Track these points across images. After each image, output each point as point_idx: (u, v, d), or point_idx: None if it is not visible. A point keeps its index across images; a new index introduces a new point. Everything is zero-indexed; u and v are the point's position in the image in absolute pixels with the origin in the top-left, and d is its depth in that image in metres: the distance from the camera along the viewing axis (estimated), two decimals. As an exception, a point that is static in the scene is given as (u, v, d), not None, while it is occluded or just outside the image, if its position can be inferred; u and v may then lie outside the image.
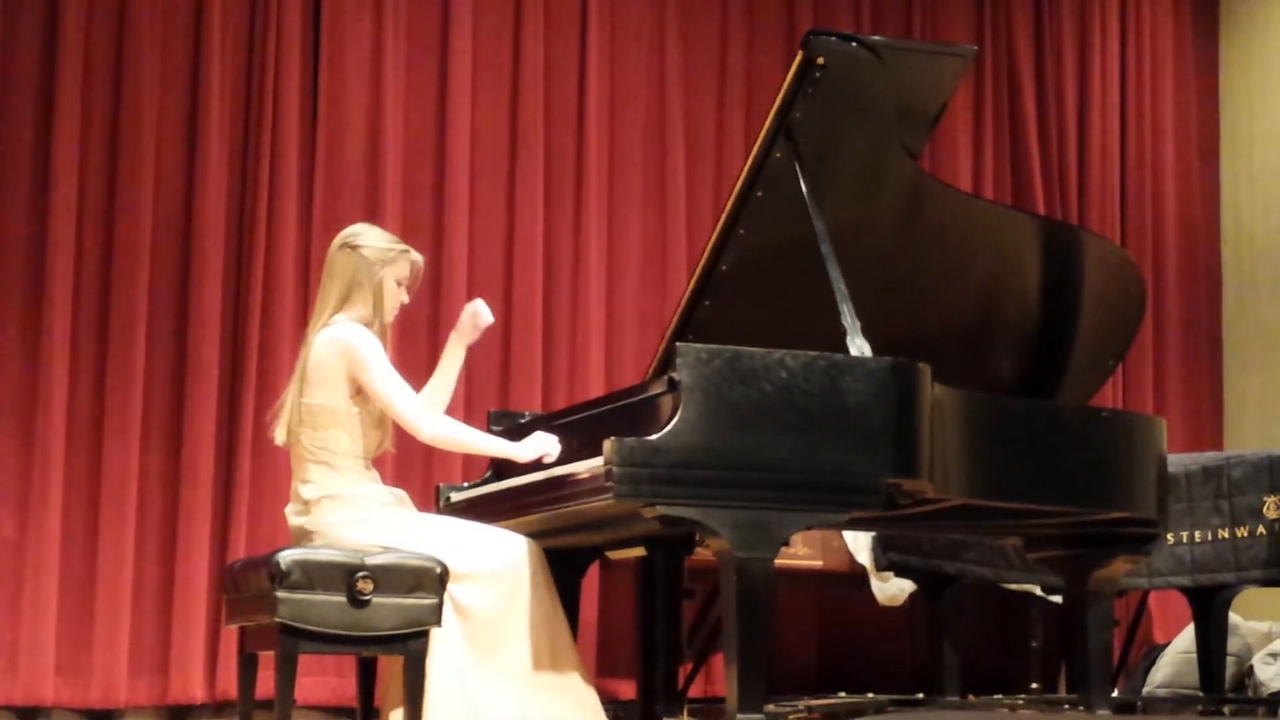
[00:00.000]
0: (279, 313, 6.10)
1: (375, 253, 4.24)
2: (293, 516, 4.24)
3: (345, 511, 4.14)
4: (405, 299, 4.34)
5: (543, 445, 4.25)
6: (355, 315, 4.22)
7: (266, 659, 4.17)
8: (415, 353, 6.02)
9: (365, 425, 4.17)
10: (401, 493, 4.29)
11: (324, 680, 5.97)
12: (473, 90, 6.52)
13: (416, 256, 4.34)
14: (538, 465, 4.27)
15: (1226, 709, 5.79)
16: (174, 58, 6.10)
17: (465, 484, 4.76)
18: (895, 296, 4.53)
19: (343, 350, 4.14)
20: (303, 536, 4.19)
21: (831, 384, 3.90)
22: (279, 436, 4.27)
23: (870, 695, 5.86)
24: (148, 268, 5.97)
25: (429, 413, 4.23)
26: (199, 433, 5.94)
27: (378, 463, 4.33)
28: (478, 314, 4.44)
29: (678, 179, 6.81)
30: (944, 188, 4.75)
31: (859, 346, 4.02)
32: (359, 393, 4.16)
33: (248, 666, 4.24)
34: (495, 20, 6.60)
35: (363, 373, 4.14)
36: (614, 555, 4.71)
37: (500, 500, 4.40)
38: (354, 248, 4.25)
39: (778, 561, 3.89)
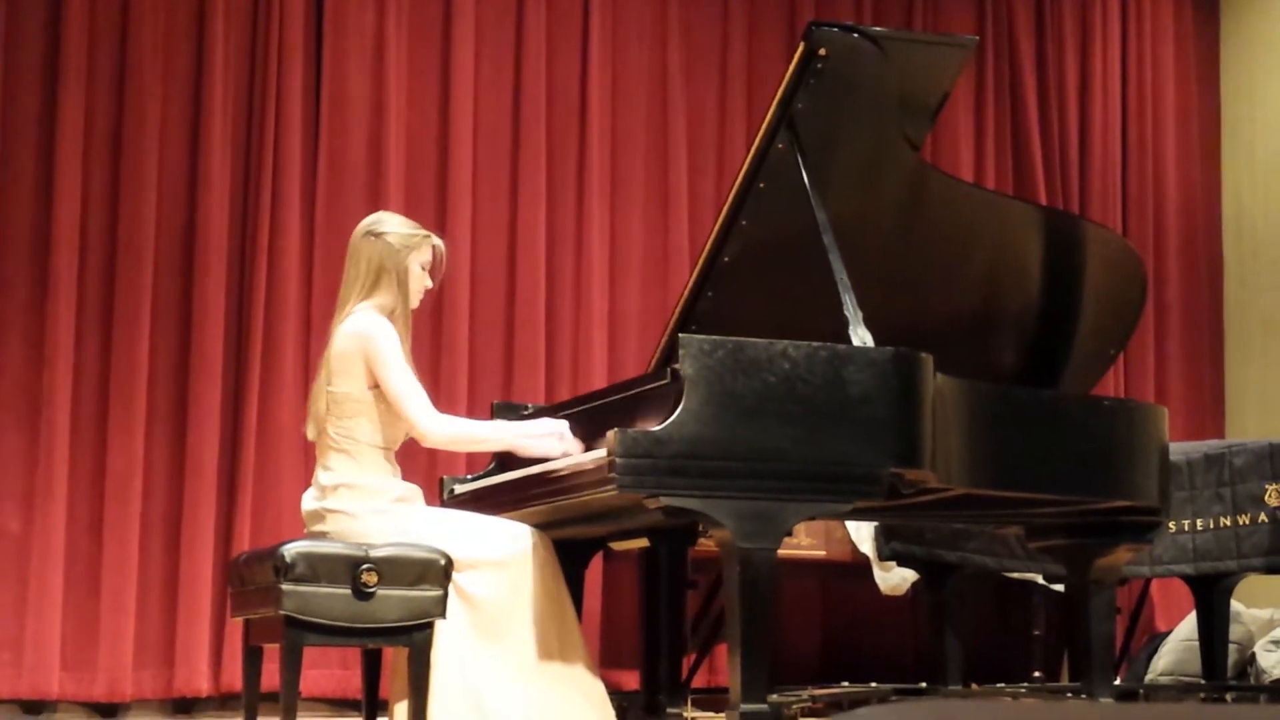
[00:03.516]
0: (283, 307, 6.11)
1: (399, 239, 4.26)
2: (308, 501, 4.24)
3: (358, 501, 4.15)
4: (430, 284, 4.35)
5: (552, 428, 4.23)
6: (378, 304, 4.23)
7: (272, 651, 4.19)
8: (418, 345, 6.00)
9: (387, 414, 4.19)
10: (415, 488, 4.30)
11: (329, 673, 5.99)
12: (475, 85, 6.53)
13: (438, 241, 4.36)
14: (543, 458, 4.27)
15: (1229, 696, 5.80)
16: (177, 54, 6.11)
17: (469, 476, 4.77)
18: (897, 287, 4.53)
19: (361, 341, 4.16)
20: (315, 520, 4.20)
21: (834, 374, 3.91)
22: (309, 432, 4.28)
23: (873, 684, 5.87)
24: (151, 263, 5.98)
25: (437, 415, 4.23)
26: (203, 426, 5.95)
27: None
28: (566, 442, 4.26)
29: (680, 171, 6.82)
30: (945, 178, 4.76)
31: (861, 337, 4.03)
32: (377, 384, 4.18)
33: (253, 659, 4.25)
34: (497, 15, 6.61)
35: (378, 366, 4.15)
36: (617, 546, 4.72)
37: (504, 492, 4.41)
38: (378, 235, 4.26)
39: (781, 551, 3.90)
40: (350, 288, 4.26)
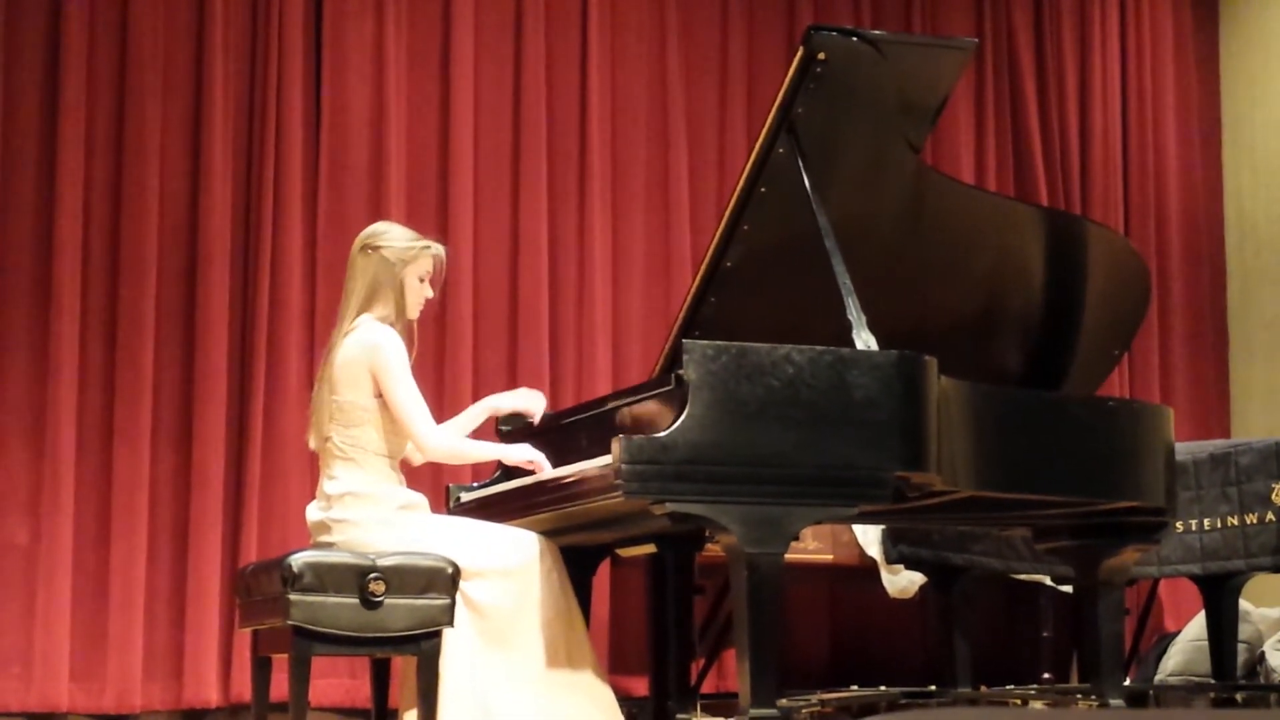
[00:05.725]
0: (286, 316, 6.11)
1: (395, 253, 4.28)
2: (313, 512, 4.25)
3: (364, 510, 4.16)
4: (430, 294, 4.37)
5: (530, 453, 4.32)
6: (379, 315, 4.25)
7: (280, 661, 4.19)
8: (421, 351, 6.00)
9: (392, 423, 4.21)
10: (420, 496, 4.30)
11: (338, 682, 5.99)
12: (475, 91, 6.53)
13: (438, 250, 4.37)
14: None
15: (1238, 696, 5.79)
16: (177, 63, 6.12)
17: (475, 484, 4.78)
18: (900, 289, 4.54)
19: (368, 350, 4.18)
20: (320, 530, 4.21)
21: (838, 378, 3.92)
22: (311, 442, 4.29)
23: (882, 688, 5.86)
24: (154, 273, 5.99)
25: (436, 430, 4.25)
26: (208, 437, 5.95)
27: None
28: (532, 410, 4.59)
29: (681, 176, 6.82)
30: (946, 180, 4.77)
31: (865, 340, 4.03)
32: (382, 394, 4.20)
33: (261, 669, 4.25)
34: (496, 21, 6.61)
35: (383, 376, 4.17)
36: (624, 553, 4.73)
37: (510, 500, 4.41)
38: (374, 249, 4.28)
39: (788, 556, 3.91)
40: (349, 301, 4.29)
